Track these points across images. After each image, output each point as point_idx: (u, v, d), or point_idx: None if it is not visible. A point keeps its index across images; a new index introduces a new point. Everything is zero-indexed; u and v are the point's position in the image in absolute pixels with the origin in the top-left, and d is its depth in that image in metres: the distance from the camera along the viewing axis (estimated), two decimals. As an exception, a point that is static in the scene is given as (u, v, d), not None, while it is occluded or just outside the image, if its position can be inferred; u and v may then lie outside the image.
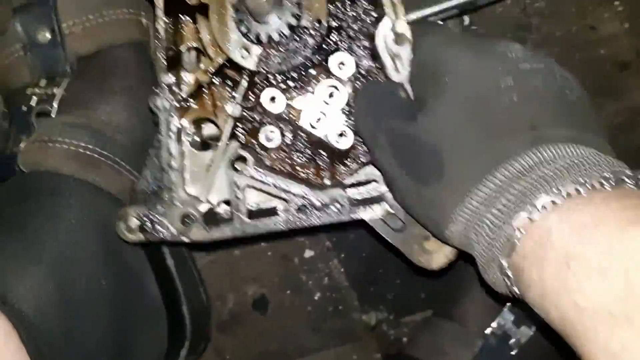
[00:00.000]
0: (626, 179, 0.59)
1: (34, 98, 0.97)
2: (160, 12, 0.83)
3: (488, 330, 1.09)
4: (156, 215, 0.83)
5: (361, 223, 0.86)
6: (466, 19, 1.13)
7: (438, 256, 0.83)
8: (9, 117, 0.99)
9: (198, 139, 0.91)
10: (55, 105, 0.96)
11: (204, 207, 0.87)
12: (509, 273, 0.63)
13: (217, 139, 0.89)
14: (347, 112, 0.89)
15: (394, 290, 1.32)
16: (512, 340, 1.07)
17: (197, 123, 0.91)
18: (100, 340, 0.92)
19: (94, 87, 0.97)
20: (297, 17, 0.84)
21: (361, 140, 0.86)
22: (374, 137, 0.77)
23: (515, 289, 0.64)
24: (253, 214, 0.87)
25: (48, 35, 0.95)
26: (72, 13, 0.96)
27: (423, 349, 1.18)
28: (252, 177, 0.84)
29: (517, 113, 0.66)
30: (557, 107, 0.67)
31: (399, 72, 0.81)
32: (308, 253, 1.33)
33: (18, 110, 0.98)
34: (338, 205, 0.84)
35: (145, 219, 0.84)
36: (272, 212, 0.87)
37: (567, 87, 0.70)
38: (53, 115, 0.96)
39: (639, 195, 0.58)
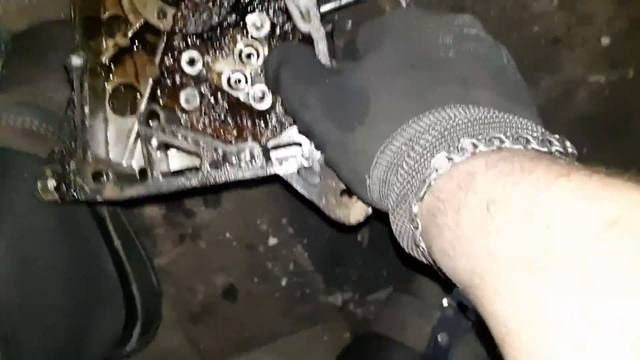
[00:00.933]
0: (554, 141, 0.57)
1: None
2: (76, -23, 0.85)
3: (444, 301, 1.07)
4: (70, 174, 0.83)
5: (277, 178, 0.84)
6: (402, 1, 1.13)
7: (355, 210, 0.81)
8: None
9: (124, 105, 0.92)
10: None
11: (123, 172, 0.86)
12: (418, 219, 0.58)
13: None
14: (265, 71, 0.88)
15: (358, 271, 1.32)
16: (469, 310, 1.04)
17: (123, 89, 0.92)
18: (59, 316, 0.91)
19: (33, 64, 0.98)
20: (209, -24, 0.85)
21: (286, 108, 0.84)
22: (302, 102, 0.74)
23: (421, 241, 0.59)
24: (169, 173, 0.86)
25: (-17, 17, 0.98)
26: None
27: (386, 324, 1.18)
28: (164, 132, 0.83)
29: (451, 68, 0.65)
30: (492, 74, 0.65)
31: (309, 20, 0.80)
32: (272, 241, 1.33)
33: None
34: (253, 161, 0.83)
35: (60, 178, 0.84)
36: (189, 170, 0.86)
37: (507, 63, 0.68)
38: None
39: (565, 160, 0.55)
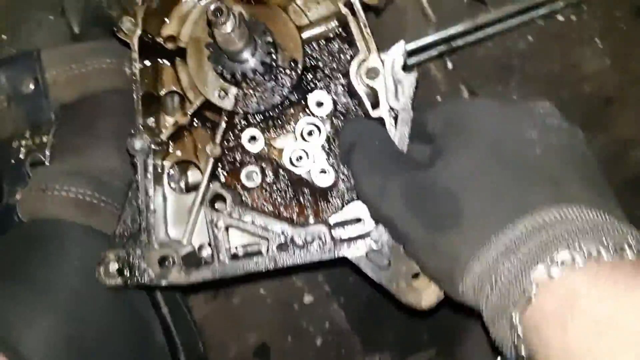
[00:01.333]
0: None
1: (22, 150, 0.98)
2: (135, 55, 0.84)
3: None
4: (134, 258, 0.81)
5: (345, 261, 0.83)
6: (449, 63, 1.13)
7: (427, 294, 0.80)
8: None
9: (182, 184, 0.91)
10: (47, 152, 0.97)
11: (184, 250, 0.85)
12: (519, 329, 0.59)
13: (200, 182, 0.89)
14: (327, 150, 0.88)
15: (397, 332, 1.29)
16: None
17: (181, 167, 0.91)
18: None
19: (83, 132, 0.97)
20: (272, 56, 0.84)
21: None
22: (381, 192, 0.74)
23: (522, 347, 0.60)
24: (235, 257, 0.85)
25: (32, 86, 0.96)
26: (56, 63, 0.97)
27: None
28: (231, 216, 0.82)
29: (540, 167, 0.66)
30: (579, 168, 0.67)
31: (399, 99, 0.80)
32: (307, 298, 1.31)
33: (8, 164, 0.98)
34: (320, 243, 0.82)
35: (123, 262, 0.82)
36: (255, 254, 0.84)
37: (587, 150, 0.70)
38: (47, 164, 0.96)
39: None
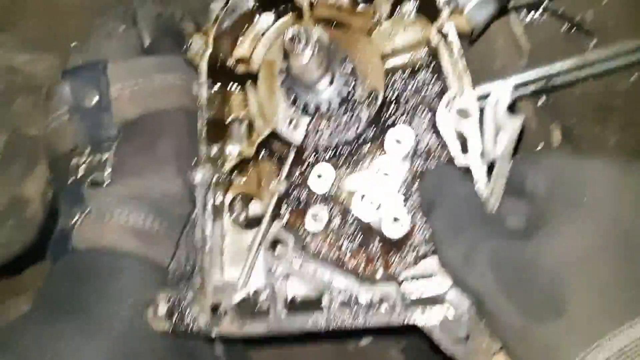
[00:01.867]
0: None
1: (81, 168, 0.93)
2: (203, 77, 0.77)
3: None
4: (186, 302, 0.74)
5: (414, 329, 0.72)
6: (540, 99, 1.01)
7: (508, 376, 0.68)
8: (56, 184, 0.95)
9: (243, 217, 0.83)
10: (107, 172, 0.91)
11: (239, 296, 0.77)
12: None
13: (261, 219, 0.81)
14: (403, 195, 0.78)
15: None
16: None
17: (242, 200, 0.83)
18: None
19: (144, 153, 0.91)
20: (351, 87, 0.75)
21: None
22: (467, 261, 0.63)
23: None
24: (293, 306, 0.76)
25: (95, 99, 0.91)
26: (122, 77, 0.92)
27: None
28: (291, 264, 0.73)
29: None
30: None
31: (497, 146, 0.69)
32: (364, 341, 1.22)
33: (65, 183, 0.93)
34: (389, 305, 0.72)
35: (174, 305, 0.75)
36: (314, 304, 0.75)
37: None
38: (106, 182, 0.91)
39: None
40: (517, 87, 0.80)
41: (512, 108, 0.68)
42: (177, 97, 0.92)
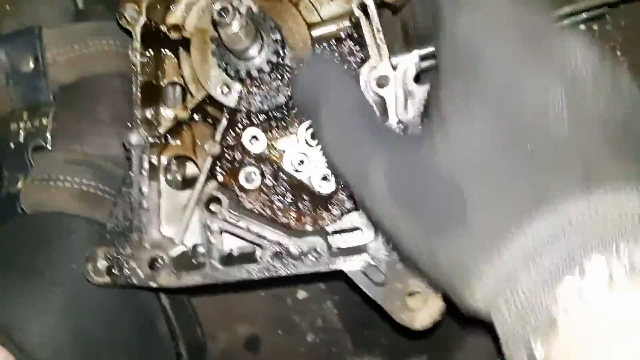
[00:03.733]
0: None
1: (21, 133, 0.95)
2: (137, 44, 0.80)
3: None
4: (124, 257, 0.79)
5: (341, 273, 0.80)
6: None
7: (422, 315, 0.77)
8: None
9: (179, 177, 0.88)
10: (48, 137, 0.94)
11: (176, 251, 0.82)
12: None
13: (197, 180, 0.86)
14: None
15: (389, 335, 1.27)
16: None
17: (178, 161, 0.88)
18: None
19: (84, 117, 0.94)
20: (280, 55, 0.80)
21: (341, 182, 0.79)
22: (360, 173, 0.58)
23: None
24: (229, 259, 0.82)
25: (31, 65, 0.93)
26: (57, 43, 0.94)
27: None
28: (226, 221, 0.79)
29: (567, 143, 0.49)
30: (619, 139, 0.50)
31: (408, 112, 0.75)
32: (302, 294, 1.29)
33: (8, 149, 0.96)
34: (316, 255, 0.79)
35: (113, 260, 0.79)
36: (249, 257, 0.82)
37: (635, 111, 0.52)
38: (49, 147, 0.93)
39: None
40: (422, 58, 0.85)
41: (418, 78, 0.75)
42: (112, 62, 0.95)
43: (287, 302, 1.28)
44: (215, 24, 0.69)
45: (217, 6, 0.66)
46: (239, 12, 0.68)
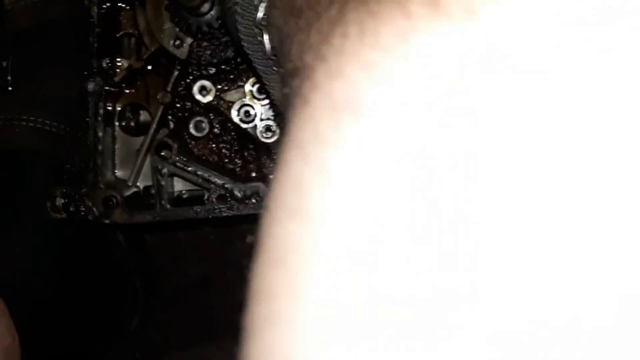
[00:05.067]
0: None
1: None
2: (94, -3, 0.85)
3: None
4: (80, 196, 0.85)
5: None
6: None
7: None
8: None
9: (132, 124, 0.94)
10: (9, 78, 0.98)
11: (128, 191, 0.89)
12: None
13: (149, 127, 0.92)
14: (275, 107, 0.91)
15: None
16: None
17: (132, 108, 0.94)
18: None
19: (43, 60, 0.98)
20: (230, 12, 0.86)
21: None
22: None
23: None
24: (178, 201, 0.90)
25: (-10, 11, 0.96)
26: None
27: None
28: (175, 165, 0.86)
29: None
30: None
31: None
32: (250, 238, 1.37)
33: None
34: (258, 198, 0.87)
35: (70, 198, 0.86)
36: (197, 200, 0.89)
37: None
38: (9, 89, 0.97)
39: None
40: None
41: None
42: (69, 10, 0.99)
43: (236, 245, 1.35)
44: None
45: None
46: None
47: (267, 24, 0.44)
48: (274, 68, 0.47)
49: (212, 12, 0.84)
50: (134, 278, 1.08)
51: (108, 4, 0.89)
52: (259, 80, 0.85)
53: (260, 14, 0.44)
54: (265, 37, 0.45)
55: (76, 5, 0.98)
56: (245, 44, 0.50)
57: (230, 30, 0.54)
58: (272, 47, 0.45)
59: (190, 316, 1.37)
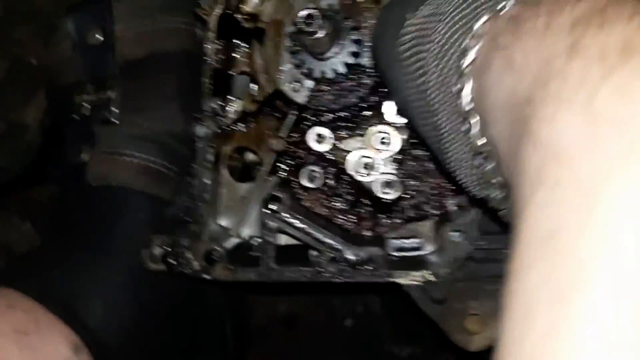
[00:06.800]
0: None
1: (86, 105, 0.94)
2: (211, 34, 0.78)
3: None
4: (181, 247, 0.79)
5: (397, 287, 0.79)
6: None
7: (478, 339, 0.76)
8: (50, 113, 0.97)
9: (239, 165, 0.87)
10: (114, 110, 0.92)
11: (232, 242, 0.82)
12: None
13: (258, 164, 0.85)
14: (397, 162, 0.82)
15: (432, 328, 1.29)
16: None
17: (241, 153, 0.87)
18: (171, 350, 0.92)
19: (150, 92, 0.93)
20: (356, 55, 0.77)
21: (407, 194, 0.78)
22: None
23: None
24: (283, 257, 0.82)
25: (99, 37, 0.91)
26: (126, 17, 0.92)
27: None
28: (284, 221, 0.78)
29: None
30: None
31: None
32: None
33: (71, 120, 0.95)
34: (373, 264, 0.78)
35: (169, 249, 0.80)
36: (303, 258, 0.81)
37: None
38: (115, 121, 0.93)
39: None
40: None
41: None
42: (180, 40, 0.93)
43: (329, 284, 1.29)
44: (300, 31, 0.66)
45: (303, 13, 0.62)
46: (325, 17, 0.64)
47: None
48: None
49: (339, 56, 0.75)
50: (226, 324, 1.01)
51: (223, 41, 0.82)
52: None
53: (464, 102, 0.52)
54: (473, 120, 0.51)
55: (188, 38, 0.92)
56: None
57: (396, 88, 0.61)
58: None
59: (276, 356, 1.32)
